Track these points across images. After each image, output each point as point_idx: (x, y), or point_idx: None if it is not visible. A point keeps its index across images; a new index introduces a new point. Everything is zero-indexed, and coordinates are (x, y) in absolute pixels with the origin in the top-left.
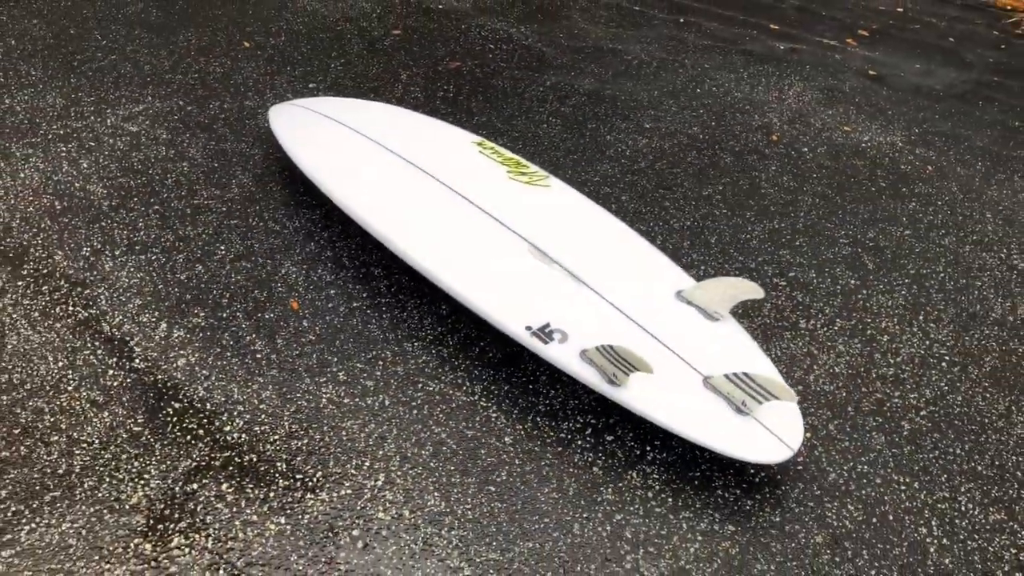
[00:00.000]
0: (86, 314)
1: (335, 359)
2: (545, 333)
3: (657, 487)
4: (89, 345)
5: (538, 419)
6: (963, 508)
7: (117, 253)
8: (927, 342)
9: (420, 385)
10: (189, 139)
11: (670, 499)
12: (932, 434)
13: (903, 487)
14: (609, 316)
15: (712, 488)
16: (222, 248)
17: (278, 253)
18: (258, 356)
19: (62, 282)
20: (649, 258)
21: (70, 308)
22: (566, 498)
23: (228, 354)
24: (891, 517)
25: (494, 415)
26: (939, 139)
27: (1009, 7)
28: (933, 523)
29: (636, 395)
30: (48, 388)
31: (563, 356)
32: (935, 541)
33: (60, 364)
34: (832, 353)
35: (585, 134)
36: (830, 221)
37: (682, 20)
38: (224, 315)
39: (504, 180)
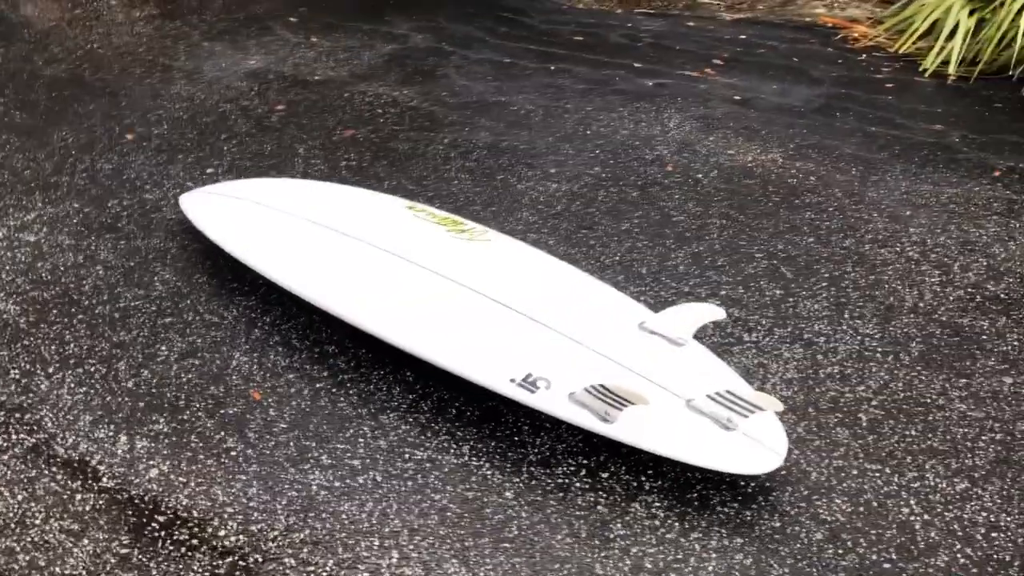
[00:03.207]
0: (33, 440)
1: (314, 444)
2: (529, 383)
3: (662, 514)
4: (46, 472)
5: (532, 469)
6: (932, 483)
7: (51, 371)
8: (858, 337)
9: (407, 455)
10: (96, 242)
11: (676, 523)
12: (887, 421)
13: (877, 474)
14: (583, 356)
15: (712, 506)
16: (163, 349)
17: (224, 345)
18: (233, 454)
19: None
20: (603, 295)
21: (13, 437)
22: (580, 541)
23: (201, 456)
24: (875, 503)
25: (488, 472)
26: (812, 151)
27: (831, 24)
28: (912, 502)
29: (627, 429)
30: (13, 525)
31: (551, 403)
32: (918, 518)
33: (19, 498)
34: (780, 361)
35: (496, 185)
36: (741, 239)
37: (553, 68)
38: (185, 417)
39: (446, 239)
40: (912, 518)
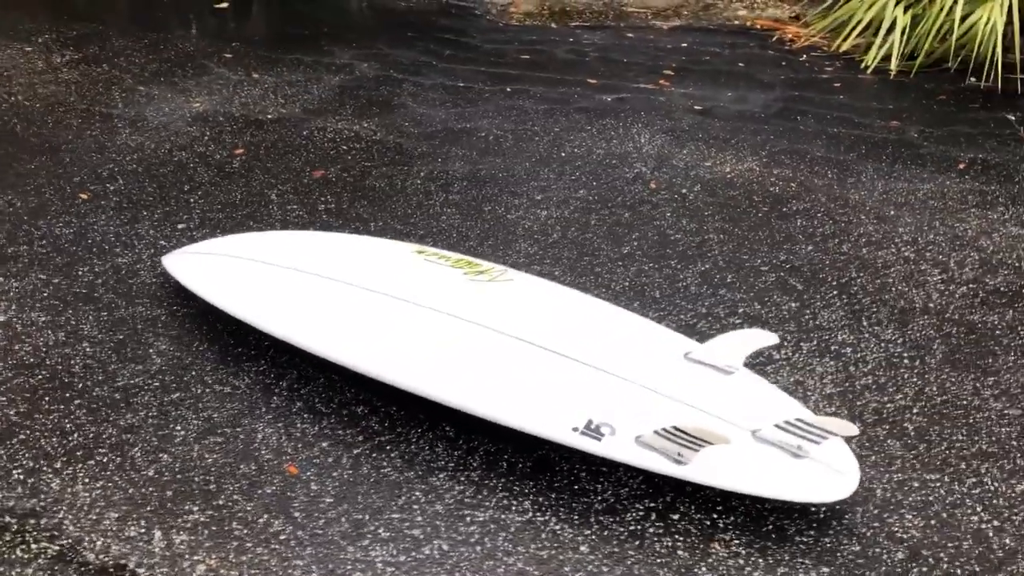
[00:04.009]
0: (57, 547)
1: (367, 516)
2: (593, 430)
3: (743, 552)
4: None
5: (601, 519)
6: (992, 487)
7: (57, 466)
8: (882, 344)
9: (468, 518)
10: (75, 315)
11: (760, 559)
12: (932, 428)
13: (937, 483)
14: (640, 396)
15: (789, 536)
16: (178, 428)
17: (244, 417)
18: (282, 537)
19: (7, 519)
20: (640, 327)
21: (34, 547)
22: None
23: (249, 544)
24: (944, 515)
25: (557, 528)
26: (785, 157)
27: (762, 27)
28: (979, 509)
29: (698, 468)
30: None
31: (619, 450)
32: (988, 525)
33: None
34: (815, 376)
35: (486, 218)
36: (743, 253)
37: (509, 89)
38: (220, 502)
39: (465, 283)
40: (983, 526)
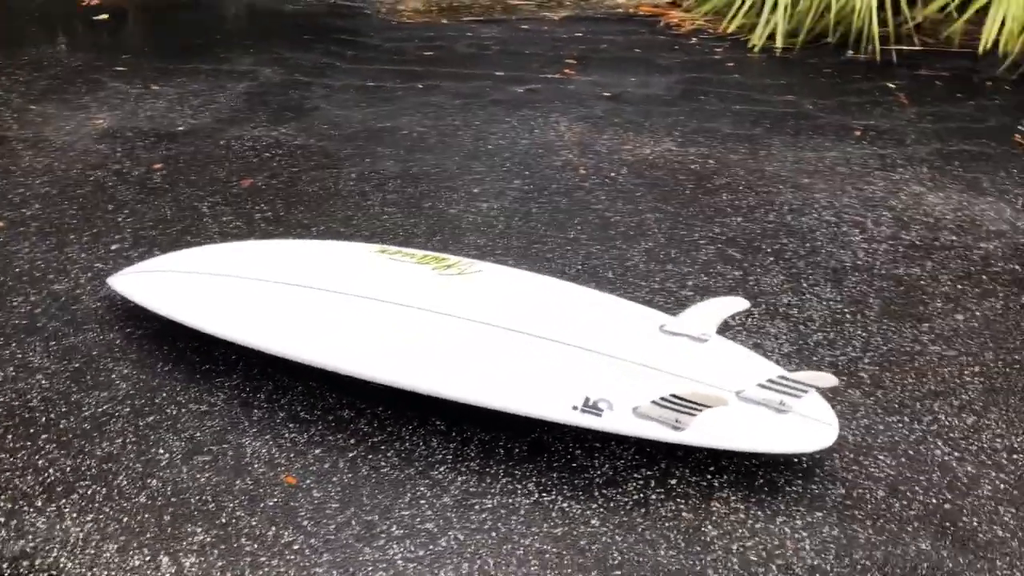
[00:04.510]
0: None
1: (376, 516)
2: (592, 407)
3: (742, 506)
4: None
5: (605, 491)
6: (947, 422)
7: (39, 504)
8: (824, 302)
9: (477, 506)
10: (20, 348)
11: (759, 511)
12: (884, 375)
13: (899, 424)
14: (629, 370)
15: (780, 487)
16: (162, 452)
17: (228, 433)
18: (296, 547)
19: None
20: (615, 305)
21: None
22: (683, 551)
23: (263, 559)
24: (911, 452)
25: (565, 505)
26: (698, 136)
27: (649, 14)
28: (939, 443)
29: (695, 432)
30: None
31: (619, 422)
32: (950, 456)
33: None
34: (770, 338)
35: (428, 214)
36: (680, 229)
37: (421, 86)
38: (223, 520)
39: (436, 278)
40: (946, 458)
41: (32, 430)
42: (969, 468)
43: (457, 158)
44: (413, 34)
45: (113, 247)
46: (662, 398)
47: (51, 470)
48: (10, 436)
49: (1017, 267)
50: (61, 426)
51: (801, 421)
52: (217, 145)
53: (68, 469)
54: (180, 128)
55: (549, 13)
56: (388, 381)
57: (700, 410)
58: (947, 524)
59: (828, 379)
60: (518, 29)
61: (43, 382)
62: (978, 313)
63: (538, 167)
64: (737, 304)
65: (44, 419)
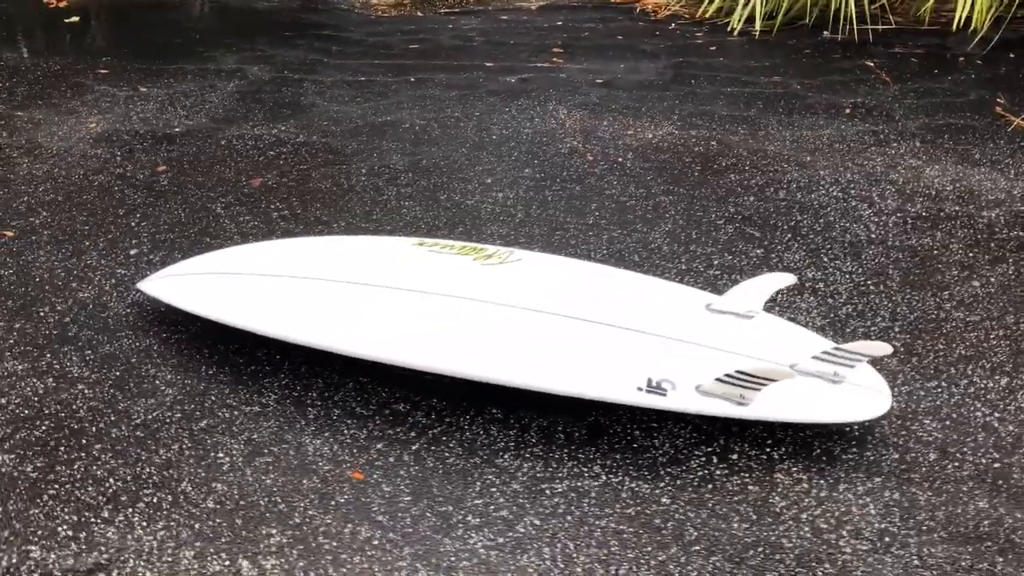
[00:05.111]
0: None
1: (451, 507)
2: (656, 387)
3: (805, 476)
4: None
5: (670, 470)
6: (983, 384)
7: (106, 515)
8: (847, 275)
9: (548, 491)
10: (55, 359)
11: (821, 480)
12: (916, 342)
13: (938, 389)
14: (686, 349)
15: (837, 455)
16: (222, 455)
17: (285, 433)
18: (376, 543)
19: None
20: (659, 287)
21: None
22: (755, 523)
23: (344, 556)
24: (954, 415)
25: (634, 486)
26: (695, 119)
27: (624, 1)
28: (979, 405)
29: (758, 408)
30: None
31: (685, 400)
32: (991, 417)
33: None
34: (802, 312)
35: (447, 206)
36: (696, 210)
37: (413, 79)
38: (297, 520)
39: (478, 268)
40: (989, 419)
41: (84, 440)
42: (1011, 427)
43: (464, 149)
44: (394, 28)
45: (132, 252)
46: (727, 375)
47: (111, 480)
48: (63, 448)
49: (1021, 233)
50: (113, 435)
51: (855, 390)
52: (219, 145)
53: (129, 478)
54: (177, 129)
55: (524, 3)
56: (453, 372)
57: (765, 384)
58: (999, 482)
59: (883, 348)
60: (498, 20)
61: (86, 392)
62: (992, 279)
63: (545, 155)
64: (783, 280)
65: (94, 429)
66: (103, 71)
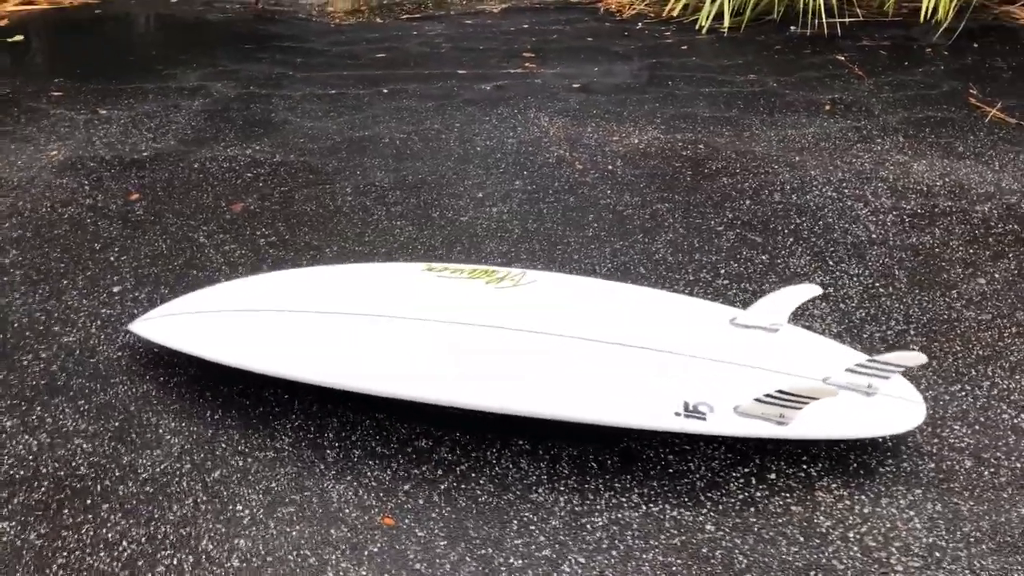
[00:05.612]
0: None
1: (490, 550)
2: (693, 411)
3: (846, 493)
4: None
5: (709, 495)
6: (1005, 385)
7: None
8: (854, 278)
9: (588, 525)
10: (46, 411)
11: (862, 495)
12: (932, 345)
13: (963, 393)
14: (718, 369)
15: (874, 469)
16: (240, 509)
17: (306, 480)
18: None
19: None
20: (680, 303)
21: None
22: (803, 545)
23: None
24: (982, 419)
25: (675, 514)
26: (679, 122)
27: (587, 1)
28: (1004, 407)
29: (797, 426)
30: None
31: (724, 423)
32: (1019, 418)
33: None
34: (818, 319)
35: (442, 224)
36: (694, 217)
37: (386, 91)
38: (331, 574)
39: (493, 292)
40: (1016, 420)
41: (89, 500)
42: None
43: (449, 163)
44: (357, 36)
45: (115, 289)
46: (767, 395)
47: (124, 542)
48: (67, 511)
49: (1016, 227)
50: (120, 493)
51: (889, 401)
52: (192, 169)
53: (144, 539)
54: (145, 153)
55: (486, 6)
56: (480, 406)
57: (807, 403)
58: None
59: (918, 357)
60: (463, 24)
61: (85, 446)
62: (996, 276)
63: (533, 165)
64: (809, 291)
65: (99, 487)
66: (56, 93)
